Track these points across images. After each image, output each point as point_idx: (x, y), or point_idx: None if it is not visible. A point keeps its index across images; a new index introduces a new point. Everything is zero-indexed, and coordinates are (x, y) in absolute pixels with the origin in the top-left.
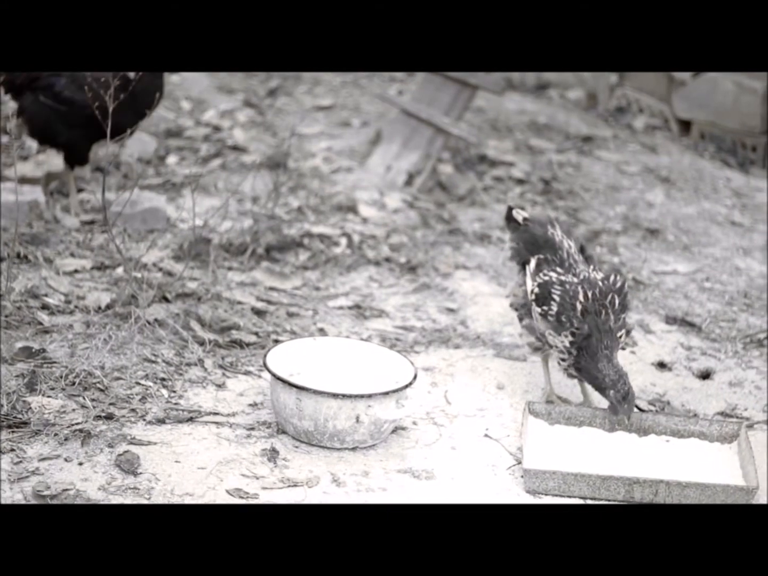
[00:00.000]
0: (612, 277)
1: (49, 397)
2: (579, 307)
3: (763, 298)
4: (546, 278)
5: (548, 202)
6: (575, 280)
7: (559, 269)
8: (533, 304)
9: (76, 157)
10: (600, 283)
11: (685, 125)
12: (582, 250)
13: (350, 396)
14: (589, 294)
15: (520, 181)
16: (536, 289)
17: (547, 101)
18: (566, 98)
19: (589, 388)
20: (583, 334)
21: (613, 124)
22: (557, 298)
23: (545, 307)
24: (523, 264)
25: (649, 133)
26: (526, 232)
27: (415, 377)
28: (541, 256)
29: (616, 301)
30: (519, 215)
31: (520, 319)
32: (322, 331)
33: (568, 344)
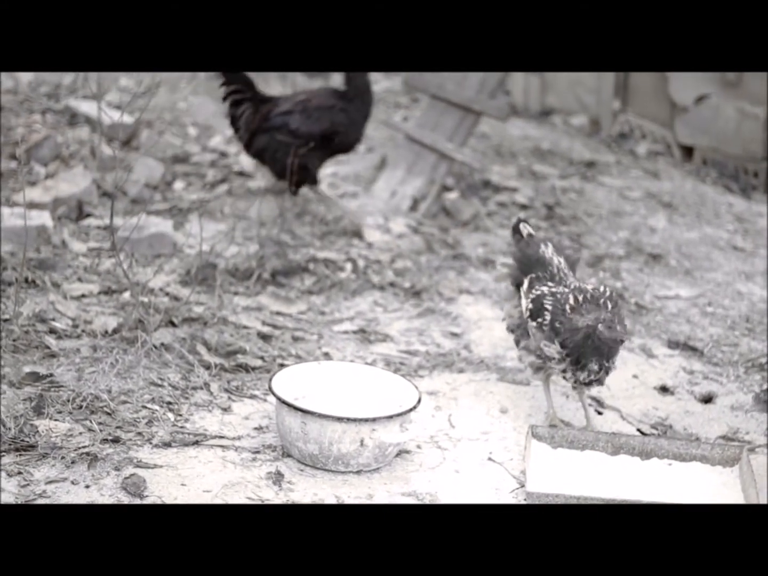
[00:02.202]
0: (602, 287)
1: (56, 420)
2: (568, 308)
3: (765, 323)
4: (538, 292)
5: (551, 227)
6: (566, 289)
7: (550, 283)
8: (529, 320)
9: (314, 178)
10: (590, 289)
11: (688, 151)
12: (572, 267)
13: (355, 420)
14: (579, 297)
15: (523, 207)
16: (530, 305)
17: (550, 127)
18: (569, 124)
19: (591, 411)
20: (575, 329)
21: (616, 149)
22: (550, 307)
23: (540, 319)
24: (518, 286)
25: (651, 158)
26: (518, 252)
27: (419, 401)
28: (533, 275)
29: (609, 305)
30: (525, 229)
31: (517, 342)
32: (327, 356)
33: (560, 348)
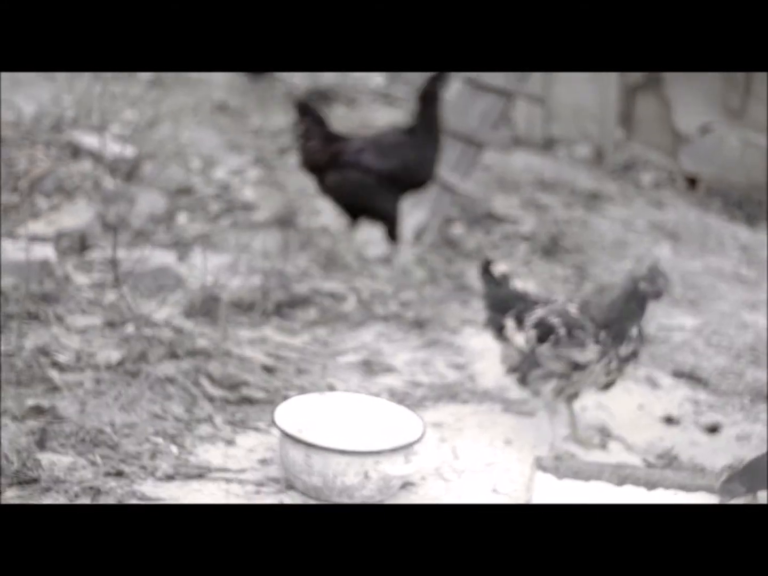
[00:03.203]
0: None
1: (59, 454)
2: (573, 314)
3: None
4: (535, 319)
5: (555, 258)
6: (557, 305)
7: (537, 307)
8: (537, 346)
9: (391, 221)
10: (576, 299)
11: (692, 180)
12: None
13: (359, 452)
14: (576, 303)
15: (527, 238)
16: (533, 332)
17: (553, 157)
18: (573, 154)
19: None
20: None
21: (620, 179)
22: (558, 321)
23: (552, 336)
24: (499, 329)
25: (655, 188)
26: (492, 295)
27: (423, 433)
28: (515, 311)
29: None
30: (497, 269)
31: (522, 380)
32: (331, 387)
33: (595, 346)
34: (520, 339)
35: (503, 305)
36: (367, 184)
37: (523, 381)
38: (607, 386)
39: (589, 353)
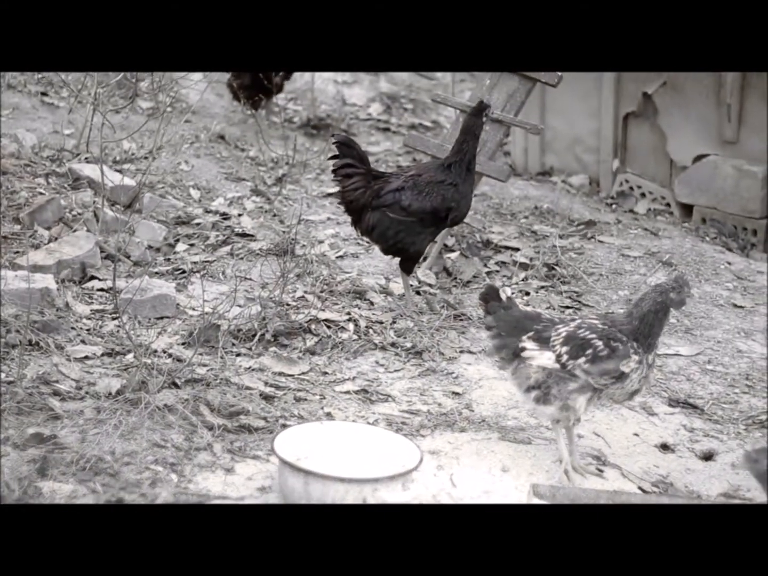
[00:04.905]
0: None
1: (60, 482)
2: (603, 327)
3: (765, 380)
4: (564, 333)
5: (552, 286)
6: (584, 321)
7: (559, 326)
8: (571, 363)
9: (416, 260)
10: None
11: (687, 209)
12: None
13: (357, 480)
14: (597, 318)
15: (524, 266)
16: (564, 349)
17: (550, 187)
18: (569, 184)
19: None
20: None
21: (616, 209)
22: (593, 335)
23: (590, 351)
24: (515, 351)
25: (650, 217)
26: (504, 318)
27: (420, 461)
28: (532, 332)
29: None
30: (504, 293)
31: (544, 396)
32: (329, 416)
33: (636, 356)
34: (545, 357)
35: (517, 327)
36: (406, 223)
37: (545, 398)
38: (634, 395)
39: (632, 363)
